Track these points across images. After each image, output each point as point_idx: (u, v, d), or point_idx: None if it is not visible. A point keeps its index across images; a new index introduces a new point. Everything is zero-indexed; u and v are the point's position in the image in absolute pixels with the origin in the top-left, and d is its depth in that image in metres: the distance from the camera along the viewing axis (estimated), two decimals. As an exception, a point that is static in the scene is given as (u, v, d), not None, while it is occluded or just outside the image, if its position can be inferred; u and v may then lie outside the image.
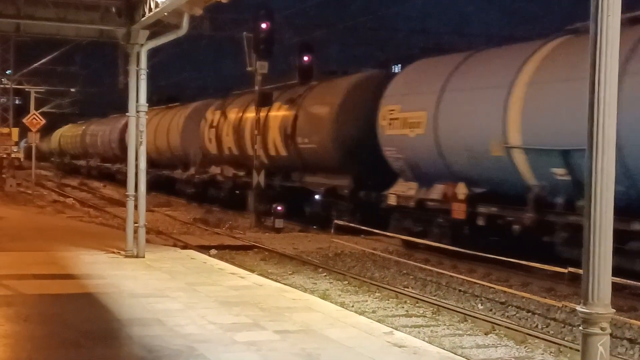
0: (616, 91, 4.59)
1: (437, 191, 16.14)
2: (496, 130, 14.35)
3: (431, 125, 16.14)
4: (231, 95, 29.73)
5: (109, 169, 44.95)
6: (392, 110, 17.58)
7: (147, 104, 13.66)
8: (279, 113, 23.18)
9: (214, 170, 28.24)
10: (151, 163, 26.88)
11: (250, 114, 25.09)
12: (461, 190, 15.31)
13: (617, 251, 11.98)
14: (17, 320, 8.11)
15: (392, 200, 17.34)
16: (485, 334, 9.92)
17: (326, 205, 20.78)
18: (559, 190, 13.49)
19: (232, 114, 26.84)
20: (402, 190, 17.25)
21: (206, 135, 28.54)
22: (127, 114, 13.88)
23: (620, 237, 11.52)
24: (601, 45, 4.52)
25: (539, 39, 15.06)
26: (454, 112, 15.71)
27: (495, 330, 9.98)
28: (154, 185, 28.73)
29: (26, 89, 48.41)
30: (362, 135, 18.91)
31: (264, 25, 22.98)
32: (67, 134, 62.59)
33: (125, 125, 40.64)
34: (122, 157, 39.98)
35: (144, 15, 12.72)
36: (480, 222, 15.09)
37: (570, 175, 13.02)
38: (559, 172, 13.30)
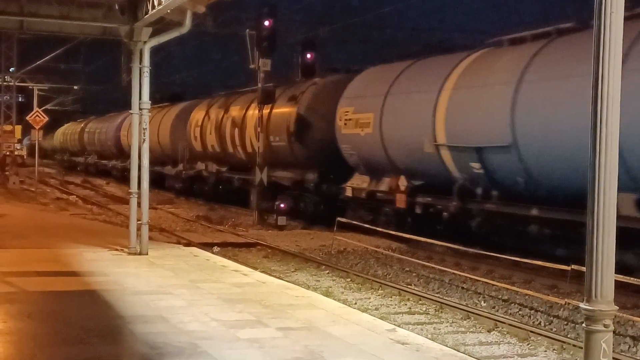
0: (619, 87, 4.58)
1: (384, 184, 18.32)
2: (427, 130, 16.45)
3: (377, 125, 18.30)
4: (216, 96, 31.59)
5: (105, 165, 46.92)
6: (347, 111, 19.75)
7: (150, 102, 13.65)
8: (255, 112, 24.48)
9: (200, 166, 30.18)
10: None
11: (231, 114, 26.95)
12: (402, 182, 17.59)
13: (520, 233, 13.65)
14: (20, 317, 8.12)
15: (348, 192, 19.55)
16: (488, 331, 9.91)
17: (296, 197, 22.56)
18: (476, 182, 15.54)
19: (215, 114, 28.61)
20: (357, 183, 19.48)
21: (192, 134, 30.51)
22: (129, 111, 13.87)
23: (523, 221, 14.37)
24: (604, 42, 4.51)
25: (467, 50, 17.24)
26: (395, 113, 17.86)
27: (498, 327, 9.97)
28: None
29: (29, 87, 48.51)
30: (325, 134, 20.73)
31: (267, 23, 22.97)
32: (67, 131, 63.83)
33: (121, 124, 43.15)
34: (117, 154, 42.54)
35: (147, 13, 12.72)
36: (418, 210, 17.21)
37: (483, 169, 15.05)
38: (475, 167, 15.26)
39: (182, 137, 31.47)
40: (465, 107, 15.48)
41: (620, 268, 12.24)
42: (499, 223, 15.15)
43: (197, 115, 30.47)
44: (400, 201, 17.31)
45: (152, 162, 33.67)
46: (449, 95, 15.94)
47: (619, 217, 12.50)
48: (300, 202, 22.30)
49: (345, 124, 19.70)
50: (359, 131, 19.03)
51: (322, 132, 20.97)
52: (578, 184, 11.70)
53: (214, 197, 28.53)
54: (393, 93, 18.03)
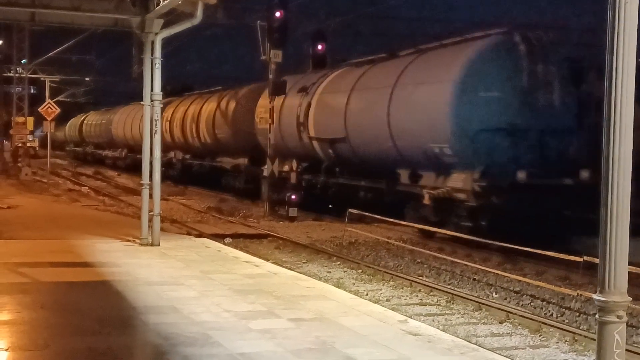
0: (633, 79, 4.54)
1: (286, 165, 23.53)
2: (304, 125, 22.34)
3: (278, 122, 23.96)
4: (185, 95, 38.70)
5: (100, 154, 53.53)
6: (261, 111, 25.15)
7: (162, 93, 13.65)
8: (206, 109, 31.33)
9: (170, 154, 36.07)
10: (129, 149, 43.17)
11: (190, 111, 33.53)
12: (294, 164, 23.08)
13: (355, 200, 19.98)
14: (33, 307, 8.17)
15: (265, 173, 24.26)
16: (499, 323, 9.91)
17: (234, 177, 28.89)
18: (334, 163, 21.70)
19: (180, 111, 35.28)
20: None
21: (164, 128, 35.62)
22: (141, 102, 13.88)
23: (356, 190, 20.27)
24: (619, 33, 4.47)
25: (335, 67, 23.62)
26: (287, 113, 23.63)
27: (509, 319, 9.97)
28: (131, 167, 41.24)
29: (41, 78, 48.60)
30: (251, 128, 26.31)
31: (277, 14, 22.93)
32: (72, 124, 67.37)
33: (112, 117, 48.26)
34: (109, 145, 50.20)
35: (158, 4, 12.73)
36: (304, 184, 22.88)
37: (335, 154, 21.03)
38: (331, 152, 21.19)
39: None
40: (324, 109, 21.29)
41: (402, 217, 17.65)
42: (347, 192, 20.63)
43: (168, 111, 36.15)
44: (293, 178, 23.03)
45: (136, 150, 38.52)
46: (317, 100, 21.84)
47: (401, 184, 18.65)
48: (235, 180, 28.67)
49: (259, 121, 25.23)
50: (268, 126, 24.39)
51: (248, 127, 26.55)
52: (379, 162, 18.93)
53: (181, 179, 34.75)
54: (287, 97, 23.74)
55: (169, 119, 35.89)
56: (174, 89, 41.83)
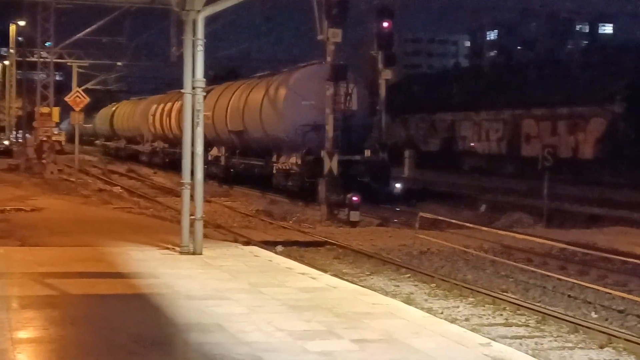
0: None
1: (220, 151, 36.03)
2: (224, 122, 34.32)
3: (212, 120, 34.61)
4: (165, 94, 50.36)
5: (107, 145, 67.37)
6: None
7: (204, 79, 13.71)
8: (174, 107, 42.21)
9: (154, 144, 49.22)
10: (127, 140, 58.24)
11: (167, 108, 45.11)
12: (222, 150, 36.51)
13: (252, 172, 39.10)
14: (62, 323, 8.36)
15: (210, 157, 34.55)
16: (600, 347, 9.76)
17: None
18: (245, 148, 33.86)
19: (160, 107, 47.10)
20: (212, 152, 36.49)
21: (149, 121, 49.42)
22: (181, 90, 14.01)
23: (252, 166, 33.00)
24: None
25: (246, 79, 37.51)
26: (217, 114, 35.10)
27: (612, 342, 9.81)
28: (129, 157, 55.26)
29: (68, 63, 49.52)
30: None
31: (337, -13, 22.98)
32: (99, 116, 74.73)
33: (114, 112, 62.84)
34: (112, 136, 65.26)
35: (200, -23, 12.84)
36: (229, 164, 35.01)
37: (241, 143, 33.76)
38: (240, 140, 33.56)
39: (146, 123, 50.55)
40: (233, 112, 33.52)
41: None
42: (249, 168, 33.06)
43: (152, 108, 48.88)
44: (222, 160, 35.58)
45: (132, 141, 59.18)
46: (230, 106, 33.83)
47: (271, 162, 33.27)
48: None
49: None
50: (207, 121, 34.68)
51: None
52: (262, 147, 31.95)
53: (163, 164, 46.45)
54: (218, 102, 35.46)
55: (152, 113, 48.64)
56: (216, 75, 42.82)
